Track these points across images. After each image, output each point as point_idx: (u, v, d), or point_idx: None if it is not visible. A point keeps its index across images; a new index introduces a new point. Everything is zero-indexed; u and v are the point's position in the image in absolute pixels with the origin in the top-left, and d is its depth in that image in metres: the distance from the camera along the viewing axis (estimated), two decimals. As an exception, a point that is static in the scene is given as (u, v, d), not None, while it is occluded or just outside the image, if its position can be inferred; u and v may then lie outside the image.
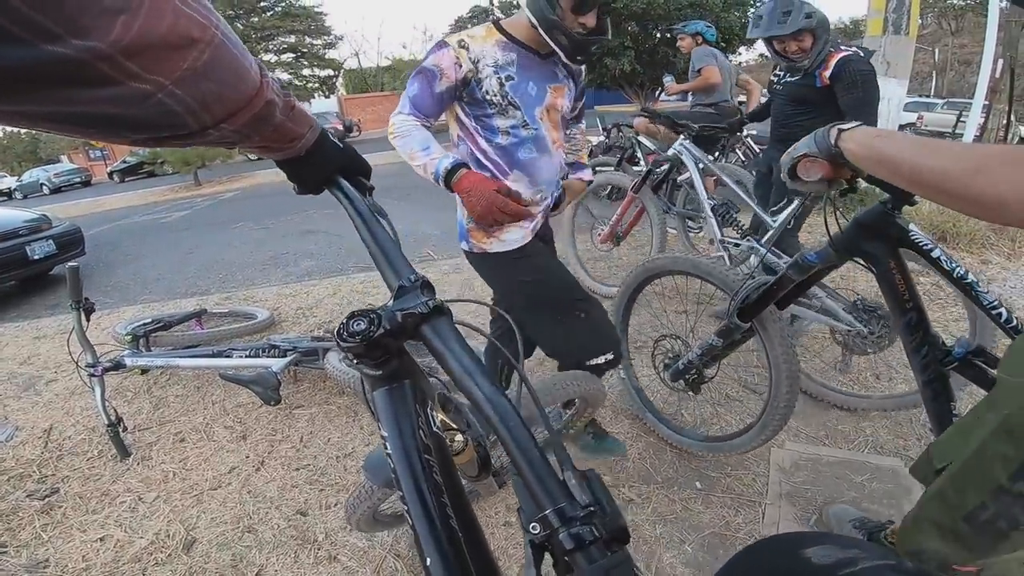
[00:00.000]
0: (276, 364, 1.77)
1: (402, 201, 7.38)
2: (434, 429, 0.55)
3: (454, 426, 0.69)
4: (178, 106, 0.37)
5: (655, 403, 1.88)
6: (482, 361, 0.52)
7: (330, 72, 33.57)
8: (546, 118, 1.36)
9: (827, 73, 2.01)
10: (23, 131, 38.64)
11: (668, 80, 4.13)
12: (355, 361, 0.52)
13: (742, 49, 15.38)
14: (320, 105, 27.70)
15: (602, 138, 5.48)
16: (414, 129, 1.29)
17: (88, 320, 1.90)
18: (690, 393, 1.65)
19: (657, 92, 15.35)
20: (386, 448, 0.52)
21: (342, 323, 0.50)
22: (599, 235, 3.04)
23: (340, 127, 20.97)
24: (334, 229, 5.88)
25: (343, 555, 1.46)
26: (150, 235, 7.18)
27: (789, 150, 0.97)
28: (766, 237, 2.13)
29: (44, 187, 21.48)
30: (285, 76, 31.26)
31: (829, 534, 1.07)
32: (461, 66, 1.25)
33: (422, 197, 7.45)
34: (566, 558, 0.39)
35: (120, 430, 1.92)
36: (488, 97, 1.28)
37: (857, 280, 2.73)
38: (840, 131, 0.86)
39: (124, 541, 1.58)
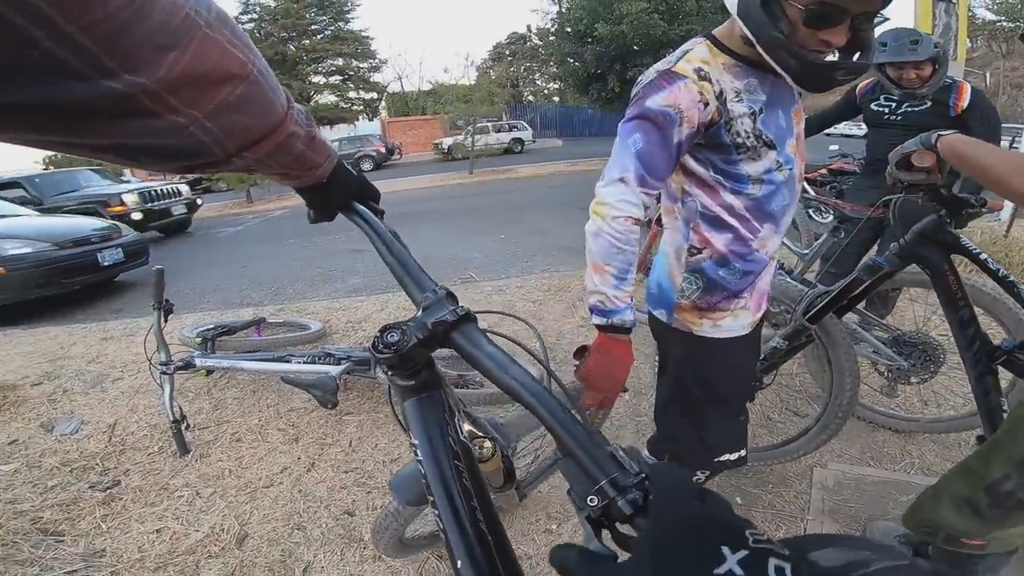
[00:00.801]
0: (333, 370, 1.87)
1: (443, 224, 7.58)
2: (462, 438, 0.57)
3: (480, 434, 0.71)
4: (207, 136, 0.38)
5: None
6: (514, 359, 0.55)
7: (374, 95, 34.84)
8: (796, 152, 1.07)
9: (962, 103, 2.06)
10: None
11: None
12: (389, 372, 0.54)
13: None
14: (364, 128, 28.71)
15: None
16: (631, 236, 0.95)
17: (166, 321, 2.04)
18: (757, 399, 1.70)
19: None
20: (417, 455, 0.54)
21: (377, 336, 0.52)
22: None
23: (382, 149, 21.66)
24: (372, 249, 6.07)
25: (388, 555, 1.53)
26: (206, 248, 7.59)
27: (900, 147, 1.15)
28: (798, 269, 2.12)
29: (108, 197, 22.80)
30: (332, 98, 32.63)
31: (836, 536, 1.08)
32: (707, 105, 0.93)
33: (463, 221, 7.63)
34: (626, 525, 0.39)
35: (183, 427, 2.04)
36: (739, 139, 0.97)
37: (899, 317, 2.67)
38: (940, 135, 1.06)
39: (180, 533, 1.67)
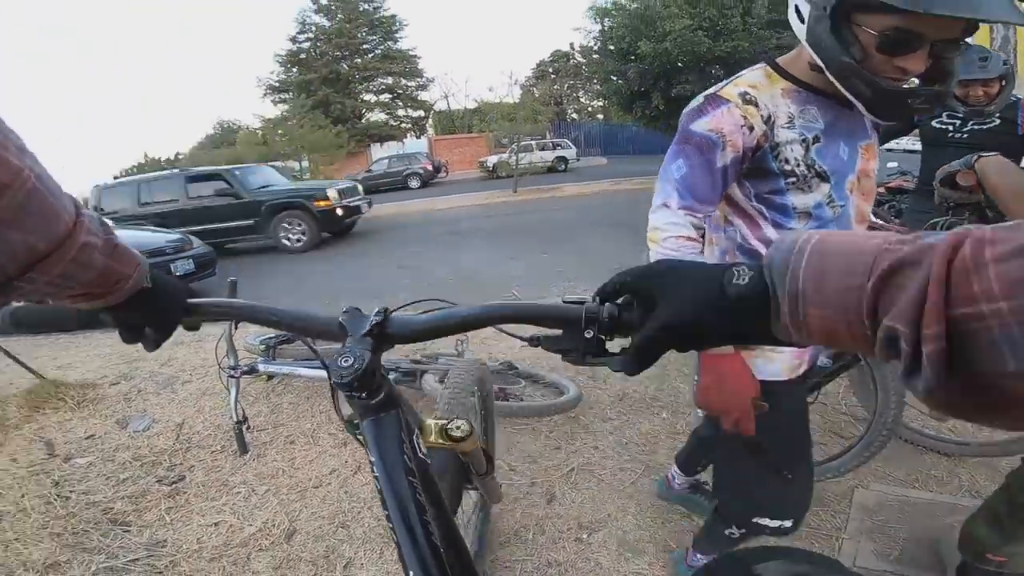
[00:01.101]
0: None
1: (488, 242, 7.75)
2: (419, 455, 0.59)
3: (452, 434, 0.73)
4: None
5: None
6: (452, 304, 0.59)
7: (421, 113, 35.85)
8: (856, 189, 1.00)
9: None
10: (163, 158, 44.16)
11: None
12: (349, 395, 0.55)
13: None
14: (412, 145, 29.55)
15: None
16: (686, 248, 0.93)
17: (236, 328, 2.22)
18: None
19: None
20: (373, 471, 0.56)
21: (329, 363, 0.53)
22: None
23: (429, 167, 22.23)
24: (424, 265, 6.30)
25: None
26: (264, 261, 8.02)
27: (945, 166, 1.19)
28: None
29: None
30: (382, 116, 33.79)
31: (780, 548, 1.09)
32: (752, 129, 0.91)
33: (508, 240, 7.79)
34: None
35: (244, 428, 2.21)
36: (787, 167, 0.94)
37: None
38: (980, 156, 1.11)
39: (235, 527, 1.80)
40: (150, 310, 0.58)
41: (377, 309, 0.57)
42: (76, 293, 0.47)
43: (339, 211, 8.45)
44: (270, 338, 2.59)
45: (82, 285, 0.46)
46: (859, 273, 0.32)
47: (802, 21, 0.85)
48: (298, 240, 8.52)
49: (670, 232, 0.94)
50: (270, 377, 2.45)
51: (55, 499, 1.94)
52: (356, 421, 0.64)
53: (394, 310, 0.59)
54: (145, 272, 0.55)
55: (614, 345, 0.50)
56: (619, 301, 0.48)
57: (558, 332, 0.52)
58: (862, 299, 0.32)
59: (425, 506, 0.54)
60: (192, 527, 1.81)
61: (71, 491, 2.01)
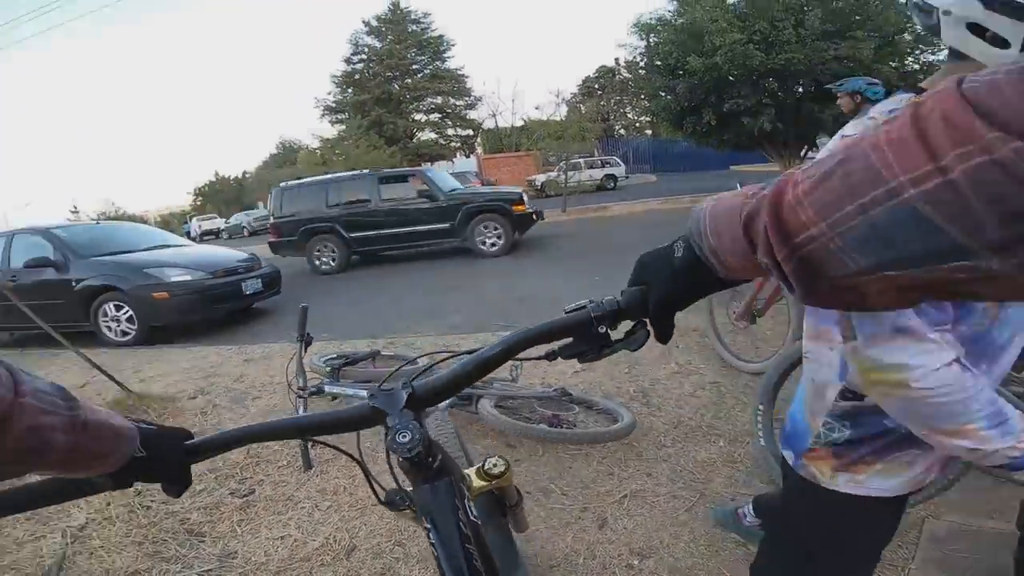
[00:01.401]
0: (440, 404, 2.07)
1: (539, 264, 7.83)
2: (471, 518, 0.59)
3: (491, 472, 0.76)
4: None
5: None
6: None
7: (470, 132, 36.54)
8: None
9: None
10: (232, 177, 47.10)
11: (824, 141, 3.80)
12: (409, 466, 0.55)
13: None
14: (461, 164, 30.08)
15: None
16: (949, 382, 0.65)
17: (305, 351, 2.36)
18: None
19: (804, 152, 14.43)
20: (430, 539, 0.56)
21: (389, 440, 0.54)
22: (734, 311, 2.97)
23: (479, 184, 22.56)
24: (474, 288, 6.40)
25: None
26: (320, 283, 8.35)
27: None
28: None
29: (245, 229, 25.75)
30: (432, 135, 34.67)
31: None
32: None
33: (559, 262, 7.79)
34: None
35: (309, 445, 2.33)
36: None
37: None
38: None
39: (300, 541, 1.88)
40: (146, 472, 0.54)
41: (403, 382, 0.60)
42: (46, 471, 0.43)
43: (534, 216, 8.63)
44: (334, 359, 2.73)
45: (48, 466, 0.42)
46: (735, 225, 0.41)
47: (1002, 45, 0.66)
48: (493, 244, 8.49)
49: (921, 364, 0.70)
50: (334, 398, 2.58)
51: (138, 508, 2.09)
52: (396, 499, 0.68)
53: (413, 379, 0.62)
54: (134, 442, 0.51)
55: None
56: (616, 296, 0.57)
57: (568, 340, 0.58)
58: (743, 244, 0.40)
59: (482, 573, 0.55)
60: (260, 539, 1.92)
61: (152, 500, 2.16)
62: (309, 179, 10.35)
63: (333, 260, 9.03)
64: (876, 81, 3.65)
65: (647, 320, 0.56)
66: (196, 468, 1.93)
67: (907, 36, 12.63)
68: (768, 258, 0.37)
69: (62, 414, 0.41)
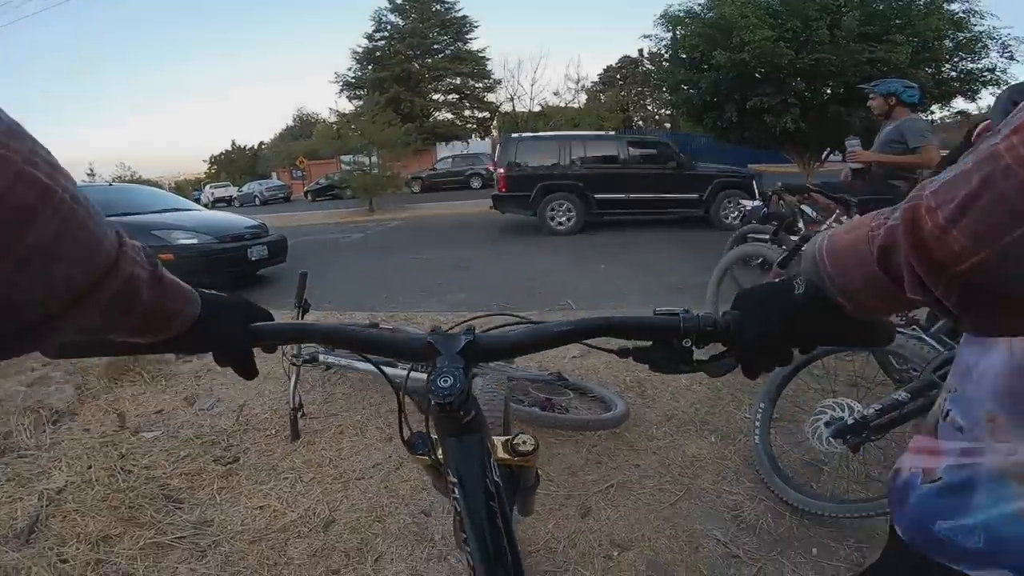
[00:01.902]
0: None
1: (546, 250, 7.73)
2: (495, 478, 0.58)
3: (520, 449, 0.74)
4: (20, 295, 0.30)
5: (784, 470, 1.90)
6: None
7: (487, 114, 36.24)
8: None
9: None
10: (247, 146, 47.37)
11: (853, 143, 3.54)
12: (439, 412, 0.54)
13: (935, 107, 13.69)
14: (476, 146, 29.99)
15: (757, 202, 5.28)
16: None
17: (302, 318, 2.33)
18: (849, 453, 1.68)
19: (824, 155, 14.17)
20: (454, 493, 0.56)
21: (431, 382, 0.52)
22: None
23: (492, 168, 22.42)
24: (483, 267, 6.38)
25: (452, 557, 1.63)
26: (332, 252, 8.40)
27: None
28: (936, 327, 1.99)
29: (257, 199, 25.98)
30: (449, 116, 34.44)
31: None
32: None
33: (565, 249, 7.84)
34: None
35: (299, 415, 2.31)
36: None
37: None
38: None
39: (278, 512, 1.86)
40: (207, 343, 0.54)
41: (466, 328, 0.58)
42: (123, 330, 0.43)
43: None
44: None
45: (129, 323, 0.42)
46: (867, 262, 0.39)
47: None
48: (733, 219, 7.99)
49: None
50: (328, 367, 2.56)
51: (119, 472, 2.08)
52: (418, 442, 0.67)
53: (465, 320, 0.61)
54: (197, 306, 0.51)
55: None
56: (714, 315, 0.54)
57: (647, 345, 0.56)
58: (883, 281, 0.38)
59: (503, 532, 0.54)
60: (239, 508, 1.89)
61: (134, 464, 2.15)
62: (546, 133, 10.33)
63: (569, 220, 8.77)
64: (913, 84, 3.51)
65: (736, 347, 0.53)
66: (181, 435, 1.91)
67: (947, 43, 12.28)
68: (921, 294, 0.34)
69: (147, 268, 0.41)
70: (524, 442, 0.74)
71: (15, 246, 0.28)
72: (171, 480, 2.06)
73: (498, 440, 0.73)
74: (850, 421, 1.64)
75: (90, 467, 2.09)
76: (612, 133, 9.76)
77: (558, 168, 8.66)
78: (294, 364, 2.29)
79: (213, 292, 0.56)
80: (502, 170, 8.95)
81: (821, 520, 1.72)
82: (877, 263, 0.38)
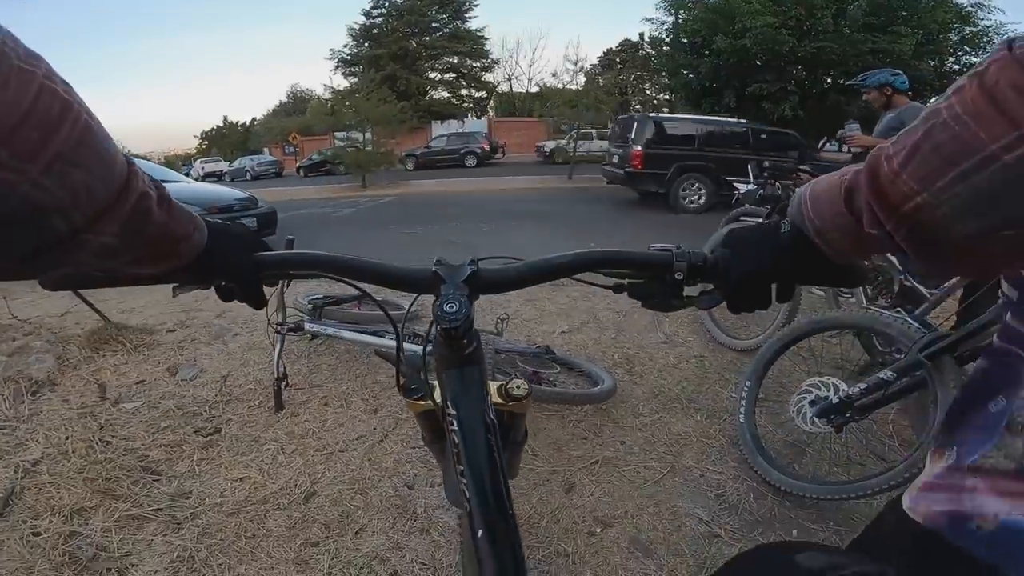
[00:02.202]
0: (420, 350, 2.01)
1: (538, 226, 7.73)
2: (492, 417, 0.57)
3: (513, 393, 0.74)
4: (47, 199, 0.31)
5: (767, 450, 1.90)
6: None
7: (484, 94, 35.84)
8: None
9: None
10: (239, 122, 46.70)
11: (853, 128, 3.57)
12: (444, 340, 0.54)
13: (935, 100, 13.66)
14: (472, 125, 29.71)
15: (751, 186, 5.26)
16: None
17: (288, 285, 2.27)
18: (832, 434, 1.70)
19: (821, 144, 14.16)
20: (452, 425, 0.55)
21: (436, 304, 0.52)
22: None
23: (486, 147, 22.31)
24: (471, 243, 6.33)
25: (434, 530, 1.62)
26: (323, 226, 8.33)
27: None
28: (920, 309, 2.00)
29: (248, 174, 25.64)
30: (445, 94, 34.04)
31: (816, 543, 1.07)
32: None
33: (558, 226, 7.79)
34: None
35: (283, 385, 2.28)
36: None
37: None
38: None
39: (259, 484, 1.83)
40: (215, 272, 0.55)
41: (470, 259, 0.58)
42: (138, 256, 0.43)
43: None
44: (319, 298, 2.66)
45: (142, 244, 0.42)
46: (836, 202, 0.44)
47: None
48: None
49: None
50: (313, 337, 2.51)
51: (97, 443, 2.03)
52: (413, 386, 0.67)
53: (482, 259, 0.60)
54: (204, 232, 0.51)
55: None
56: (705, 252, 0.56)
57: (641, 280, 0.58)
58: (848, 220, 0.43)
59: (500, 467, 0.53)
60: (219, 480, 1.86)
61: (113, 436, 2.10)
62: (682, 116, 10.65)
63: (699, 199, 9.08)
64: (899, 72, 3.54)
65: (723, 284, 0.54)
66: (162, 406, 1.84)
67: (952, 36, 12.23)
68: (876, 228, 0.39)
69: (154, 190, 0.42)
70: (518, 386, 0.74)
71: (41, 152, 0.30)
72: (150, 452, 2.02)
73: (492, 384, 0.72)
74: (834, 400, 1.64)
75: (68, 439, 2.04)
76: (743, 121, 10.02)
77: (692, 150, 8.95)
78: (279, 333, 2.25)
79: (217, 220, 0.55)
80: (639, 148, 9.14)
81: (802, 501, 1.72)
82: (844, 203, 0.42)
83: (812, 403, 1.73)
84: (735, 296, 0.54)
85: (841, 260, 0.49)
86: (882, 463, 1.90)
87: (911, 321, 1.65)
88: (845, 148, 4.02)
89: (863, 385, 1.58)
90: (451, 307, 0.52)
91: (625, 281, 0.59)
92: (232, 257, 0.55)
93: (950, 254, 0.37)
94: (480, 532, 0.49)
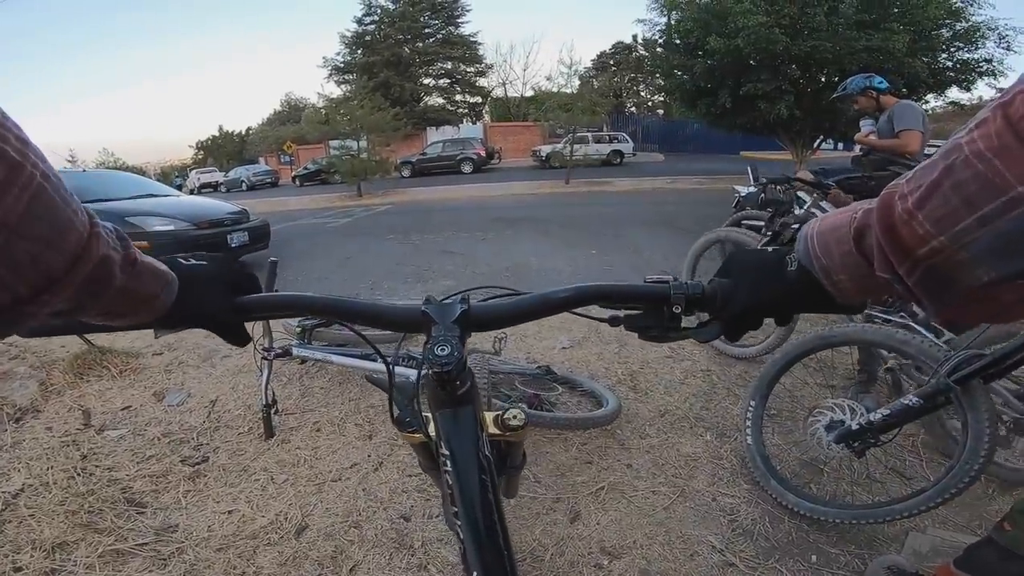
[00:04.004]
0: (413, 374, 1.92)
1: (535, 233, 7.64)
2: (487, 452, 0.58)
3: (509, 423, 0.72)
4: None
5: (781, 472, 1.81)
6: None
7: (479, 99, 35.85)
8: None
9: None
10: (234, 132, 46.69)
11: (867, 124, 3.54)
12: (436, 383, 0.53)
13: (930, 97, 13.68)
14: (467, 131, 29.71)
15: (751, 188, 5.19)
16: None
17: None
18: (853, 456, 1.61)
19: (817, 142, 14.13)
20: (446, 466, 0.55)
21: (427, 351, 0.51)
22: None
23: (482, 153, 22.28)
24: (469, 252, 6.25)
25: (433, 566, 1.53)
26: (317, 237, 8.23)
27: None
28: (923, 315, 1.95)
29: (243, 184, 25.61)
30: (440, 100, 34.04)
31: None
32: None
33: (556, 232, 7.68)
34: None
35: (273, 412, 2.18)
36: None
37: None
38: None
39: (248, 517, 1.74)
40: (189, 321, 0.52)
41: (460, 297, 0.57)
42: (96, 314, 0.41)
43: None
44: (308, 319, 2.56)
45: (102, 306, 0.40)
46: (845, 241, 0.41)
47: None
48: None
49: None
50: (303, 361, 2.42)
51: (78, 474, 1.94)
52: (407, 419, 0.67)
53: (461, 292, 0.60)
54: (174, 289, 0.49)
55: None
56: (702, 282, 0.55)
57: (638, 312, 0.57)
58: (858, 261, 0.41)
59: (494, 507, 0.53)
60: (206, 513, 1.77)
61: (96, 465, 2.02)
62: None
63: None
64: (870, 73, 3.57)
65: (722, 316, 0.54)
66: (147, 433, 1.75)
67: (944, 32, 12.21)
68: (888, 273, 0.37)
69: (119, 251, 0.39)
70: (514, 416, 0.72)
71: None
72: (134, 483, 1.92)
73: (488, 415, 0.72)
74: (855, 427, 1.55)
75: (49, 469, 1.96)
76: None
77: None
78: (266, 359, 2.16)
79: (195, 263, 0.53)
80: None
81: (820, 524, 1.64)
82: (853, 243, 0.40)
83: (828, 428, 1.63)
84: (733, 329, 0.53)
85: (847, 301, 0.47)
86: (905, 482, 1.84)
87: (933, 339, 1.56)
88: (857, 148, 4.00)
89: (885, 411, 1.49)
90: (442, 350, 0.50)
91: (621, 313, 0.58)
92: (207, 307, 0.53)
93: (964, 301, 0.35)
94: (475, 574, 0.49)
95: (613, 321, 0.59)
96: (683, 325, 0.56)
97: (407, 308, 0.57)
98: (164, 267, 0.48)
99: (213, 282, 0.54)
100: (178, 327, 0.53)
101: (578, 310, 0.59)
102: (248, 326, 0.58)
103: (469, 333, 0.56)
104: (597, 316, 0.61)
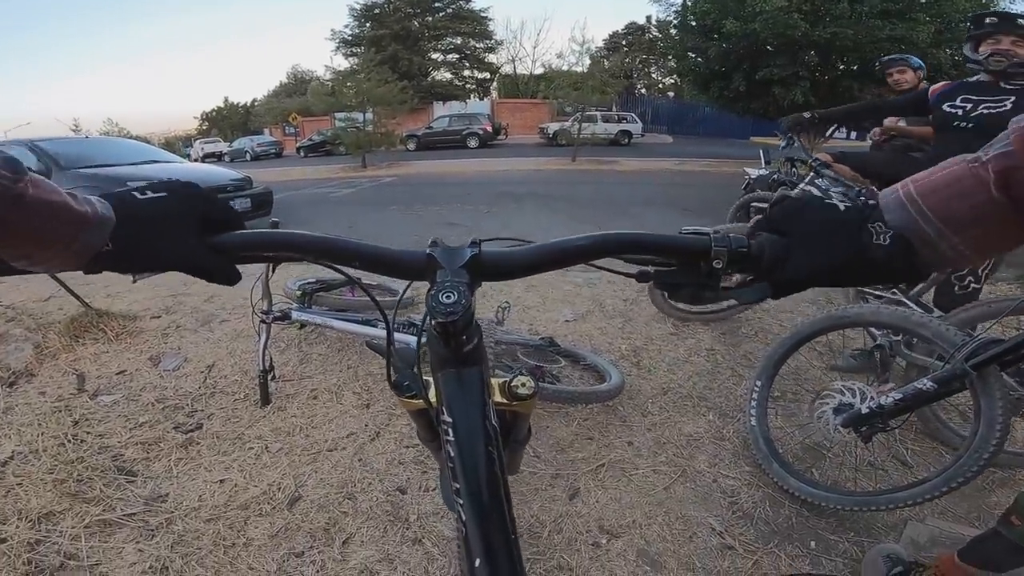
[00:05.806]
0: (414, 340, 1.87)
1: (541, 208, 7.57)
2: (494, 421, 0.51)
3: (518, 392, 0.65)
4: None
5: (783, 455, 1.77)
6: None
7: (487, 75, 35.34)
8: None
9: None
10: (240, 103, 46.13)
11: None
12: (442, 339, 0.47)
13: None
14: (474, 106, 29.35)
15: (762, 171, 5.10)
16: None
17: (274, 271, 2.11)
18: (857, 442, 1.59)
19: (830, 131, 13.91)
20: (448, 435, 0.49)
21: (430, 297, 0.45)
22: None
23: (489, 128, 22.02)
24: (473, 225, 6.19)
25: (428, 540, 1.50)
26: (320, 206, 8.19)
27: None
28: (915, 290, 2.03)
29: (247, 154, 25.47)
30: (448, 75, 33.55)
31: None
32: None
33: (561, 209, 7.58)
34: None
35: (269, 378, 2.14)
36: None
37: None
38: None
39: (240, 487, 1.70)
40: (142, 264, 0.45)
41: (471, 240, 0.50)
42: (10, 247, 0.37)
43: None
44: (308, 283, 2.51)
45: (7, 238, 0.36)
46: (978, 192, 0.39)
47: None
48: None
49: None
50: (303, 326, 2.38)
51: (69, 441, 1.90)
52: (405, 383, 0.60)
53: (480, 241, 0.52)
54: (100, 228, 0.42)
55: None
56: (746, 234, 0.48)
57: (670, 268, 0.51)
58: (999, 206, 0.39)
59: (501, 482, 0.46)
60: (197, 482, 1.73)
61: (88, 432, 1.98)
62: None
63: None
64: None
65: (774, 278, 0.47)
66: (141, 399, 1.70)
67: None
68: None
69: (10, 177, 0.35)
70: (523, 384, 0.64)
71: None
72: (126, 450, 1.89)
73: (495, 381, 0.63)
74: (864, 410, 1.50)
75: (40, 435, 1.92)
76: None
77: None
78: (264, 322, 2.11)
79: (152, 196, 0.46)
80: None
81: (820, 510, 1.61)
82: (995, 187, 0.38)
83: (836, 410, 1.59)
84: (783, 291, 0.47)
85: (953, 264, 0.43)
86: (906, 470, 1.81)
87: (949, 324, 1.51)
88: (869, 136, 3.96)
89: (898, 395, 1.44)
90: (448, 297, 0.44)
91: (651, 268, 0.52)
92: (165, 248, 0.45)
93: None
94: (478, 561, 0.42)
95: (642, 276, 0.52)
96: (723, 285, 0.49)
97: (412, 251, 0.51)
98: (93, 205, 0.42)
99: (173, 219, 0.46)
100: (137, 271, 0.47)
101: (601, 263, 0.53)
102: (247, 288, 0.52)
103: (479, 283, 0.50)
104: (623, 271, 0.54)
